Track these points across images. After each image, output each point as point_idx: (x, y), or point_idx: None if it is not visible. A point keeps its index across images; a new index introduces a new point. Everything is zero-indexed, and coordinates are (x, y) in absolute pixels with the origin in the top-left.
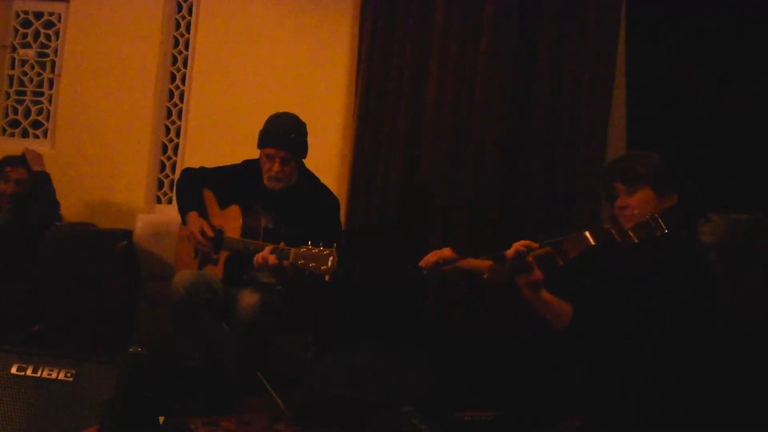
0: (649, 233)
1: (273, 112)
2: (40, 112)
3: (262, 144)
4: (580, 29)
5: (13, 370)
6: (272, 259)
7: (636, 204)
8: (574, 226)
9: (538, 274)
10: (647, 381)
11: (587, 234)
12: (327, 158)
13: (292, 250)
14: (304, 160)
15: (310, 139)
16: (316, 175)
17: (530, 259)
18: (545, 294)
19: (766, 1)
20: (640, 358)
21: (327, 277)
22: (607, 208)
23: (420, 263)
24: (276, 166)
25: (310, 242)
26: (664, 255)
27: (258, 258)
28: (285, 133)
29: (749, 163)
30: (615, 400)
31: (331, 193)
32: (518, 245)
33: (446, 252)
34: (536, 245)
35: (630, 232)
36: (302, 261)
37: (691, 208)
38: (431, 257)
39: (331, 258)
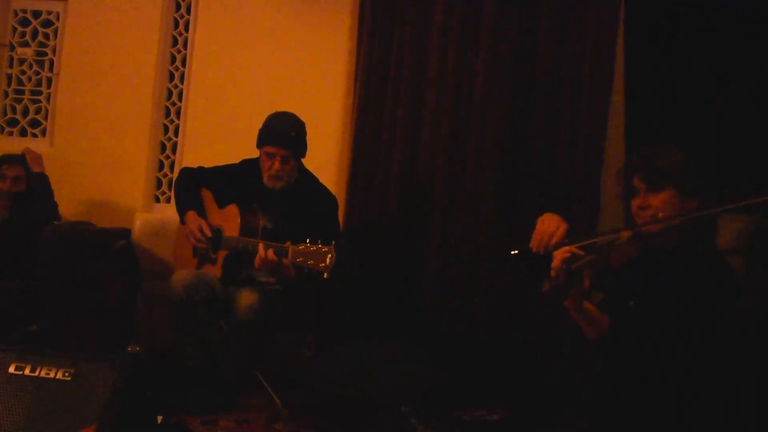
0: (681, 238)
1: (272, 111)
2: (38, 111)
3: (262, 143)
4: (579, 29)
5: (11, 370)
6: (271, 254)
7: (659, 205)
8: (575, 225)
9: (586, 284)
10: (667, 385)
11: (629, 242)
12: (326, 157)
13: (291, 247)
14: (303, 160)
15: (309, 138)
16: (315, 174)
17: (583, 274)
18: (587, 304)
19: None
20: (667, 364)
21: (325, 275)
22: (608, 207)
23: (533, 246)
24: (276, 165)
25: (308, 240)
26: (693, 260)
27: (258, 257)
28: (285, 132)
29: (750, 163)
30: (627, 402)
31: (329, 192)
32: (562, 256)
33: (561, 227)
34: (579, 252)
35: (665, 237)
36: (300, 258)
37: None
38: (549, 239)
39: (329, 255)
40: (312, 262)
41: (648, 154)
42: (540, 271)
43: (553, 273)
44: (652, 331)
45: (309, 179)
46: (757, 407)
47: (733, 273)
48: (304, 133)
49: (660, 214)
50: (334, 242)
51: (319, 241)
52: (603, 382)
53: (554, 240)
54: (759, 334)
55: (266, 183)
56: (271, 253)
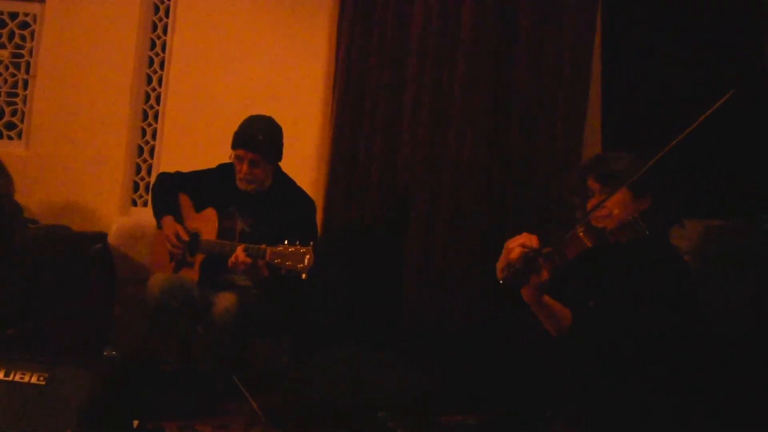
0: (634, 234)
1: (250, 114)
2: (14, 113)
3: (232, 145)
4: (557, 28)
5: None
6: (243, 257)
7: (613, 205)
8: (555, 223)
9: (545, 274)
10: (637, 382)
11: (582, 235)
12: (305, 161)
13: (268, 249)
14: (281, 163)
15: (288, 141)
16: (294, 177)
17: (540, 260)
18: (547, 298)
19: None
20: (634, 362)
21: (303, 276)
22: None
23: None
24: (245, 168)
25: (286, 241)
26: (646, 257)
27: (232, 258)
28: (253, 136)
29: (725, 168)
30: (603, 403)
31: (307, 195)
32: (519, 243)
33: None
34: (535, 244)
35: (619, 233)
36: (278, 260)
37: (665, 210)
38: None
39: (307, 256)
40: (290, 263)
41: (602, 158)
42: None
43: (511, 260)
44: (612, 331)
45: (286, 183)
46: (718, 405)
47: (689, 272)
48: (277, 137)
49: (615, 212)
50: (312, 243)
51: (297, 242)
52: (571, 381)
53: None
54: (735, 337)
55: (238, 185)
56: (243, 255)
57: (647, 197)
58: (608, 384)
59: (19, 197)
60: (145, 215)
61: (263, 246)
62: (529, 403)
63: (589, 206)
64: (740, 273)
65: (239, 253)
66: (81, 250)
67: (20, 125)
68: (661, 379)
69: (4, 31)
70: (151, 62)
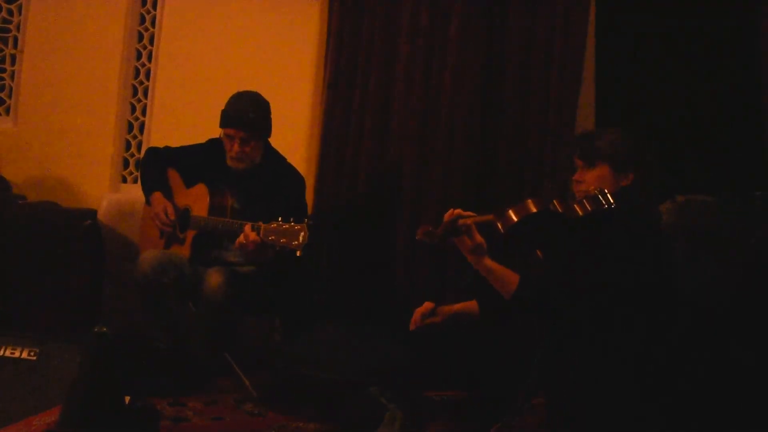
0: (596, 206)
1: (240, 90)
2: (2, 88)
3: (222, 124)
4: (549, 11)
5: None
6: (254, 236)
7: (592, 180)
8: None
9: (478, 238)
10: (596, 352)
11: (529, 201)
12: (295, 140)
13: (263, 226)
14: (271, 140)
15: (278, 119)
16: (286, 155)
17: (469, 222)
18: (488, 261)
19: None
20: (587, 330)
21: (298, 253)
22: None
23: (412, 328)
24: (236, 147)
25: (280, 218)
26: (611, 229)
27: (241, 239)
28: (243, 113)
29: (715, 145)
30: (571, 374)
31: (296, 171)
32: (451, 211)
33: (426, 305)
34: (469, 213)
35: (575, 205)
36: (273, 237)
37: (649, 188)
38: (417, 315)
39: (302, 233)
40: (284, 240)
41: (586, 134)
42: None
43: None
44: (554, 285)
45: (276, 159)
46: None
47: (662, 246)
48: (266, 113)
49: (591, 188)
50: (306, 220)
51: (291, 220)
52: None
53: (419, 315)
54: (722, 312)
55: (229, 164)
56: (254, 234)
57: (629, 174)
58: (572, 355)
59: (7, 173)
60: (135, 192)
61: (257, 223)
62: (510, 379)
63: (572, 180)
64: (726, 250)
65: (248, 233)
66: (70, 227)
67: (8, 101)
68: (625, 348)
69: None
70: (140, 37)
